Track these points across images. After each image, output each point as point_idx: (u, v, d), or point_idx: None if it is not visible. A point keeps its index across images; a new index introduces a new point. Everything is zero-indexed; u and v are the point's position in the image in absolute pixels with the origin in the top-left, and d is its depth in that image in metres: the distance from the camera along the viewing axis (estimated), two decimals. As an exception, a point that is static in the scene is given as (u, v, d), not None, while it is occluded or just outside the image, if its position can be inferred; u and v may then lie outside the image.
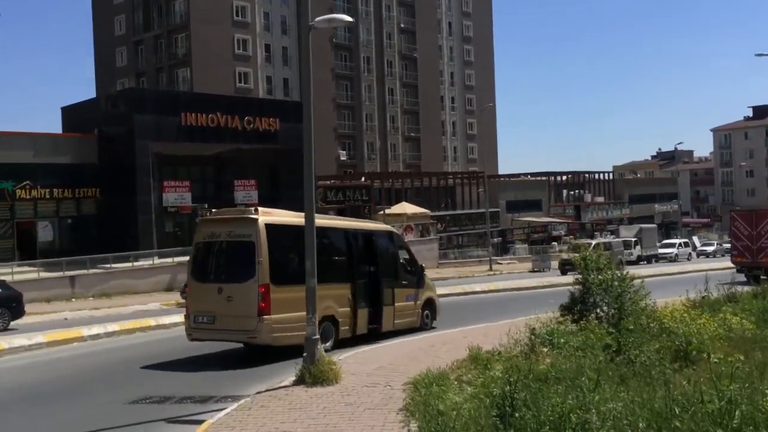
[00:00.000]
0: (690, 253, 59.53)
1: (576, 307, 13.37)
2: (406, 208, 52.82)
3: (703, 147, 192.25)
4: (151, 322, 19.74)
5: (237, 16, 63.68)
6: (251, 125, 42.04)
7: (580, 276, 13.69)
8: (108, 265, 33.09)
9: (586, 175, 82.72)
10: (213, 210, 14.79)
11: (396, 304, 16.23)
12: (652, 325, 12.03)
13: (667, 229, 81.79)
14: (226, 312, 13.22)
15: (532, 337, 11.52)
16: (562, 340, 11.56)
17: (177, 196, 40.74)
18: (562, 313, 13.59)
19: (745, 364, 8.39)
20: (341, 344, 14.42)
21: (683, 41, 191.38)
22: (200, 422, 8.83)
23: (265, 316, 12.90)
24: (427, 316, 17.69)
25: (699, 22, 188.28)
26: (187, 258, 34.74)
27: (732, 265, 36.13)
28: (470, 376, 9.44)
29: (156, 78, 64.58)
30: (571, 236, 67.94)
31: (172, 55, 63.74)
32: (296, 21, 67.58)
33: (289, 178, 45.12)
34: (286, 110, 45.89)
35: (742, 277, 32.34)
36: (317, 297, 12.67)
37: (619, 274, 13.49)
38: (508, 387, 6.81)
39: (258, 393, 10.14)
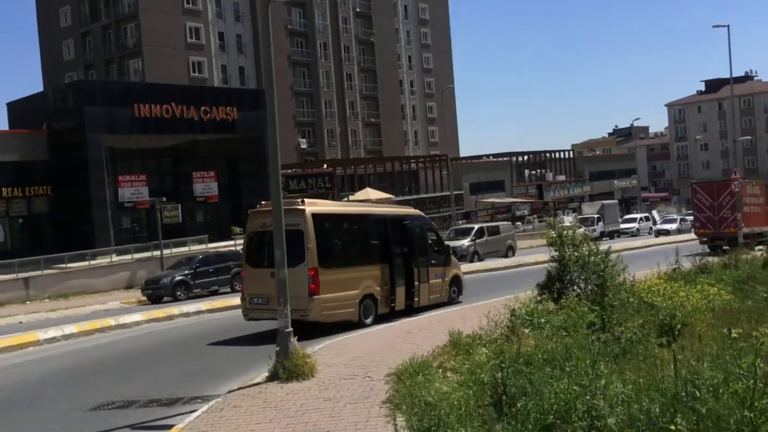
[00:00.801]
0: (651, 228, 59.94)
1: (554, 285, 13.01)
2: (370, 193, 52.19)
3: (658, 122, 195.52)
4: (111, 322, 18.89)
5: (188, 3, 61.97)
6: (208, 115, 40.92)
7: (557, 253, 13.33)
8: (63, 265, 31.86)
9: (547, 155, 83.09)
10: (262, 202, 15.98)
11: (429, 281, 17.65)
12: (631, 300, 11.71)
13: (627, 204, 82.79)
14: None
15: (512, 318, 11.09)
16: (543, 320, 11.18)
17: (133, 190, 39.54)
18: (540, 292, 13.22)
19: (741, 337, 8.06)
20: (379, 319, 15.70)
21: (636, 20, 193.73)
22: (169, 427, 8.21)
23: (315, 296, 14.32)
24: (455, 292, 19.06)
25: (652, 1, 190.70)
26: (146, 254, 34.28)
27: (695, 237, 36.52)
28: (454, 363, 8.97)
29: (106, 70, 62.64)
30: (534, 215, 68.36)
31: (121, 46, 61.86)
32: (249, 7, 66.20)
33: (249, 167, 44.20)
34: (243, 99, 44.84)
35: (704, 248, 32.73)
36: (359, 278, 15.44)
37: (595, 249, 13.17)
38: (500, 373, 6.34)
39: (230, 392, 9.55)
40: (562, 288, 13.13)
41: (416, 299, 17.11)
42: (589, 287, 13.18)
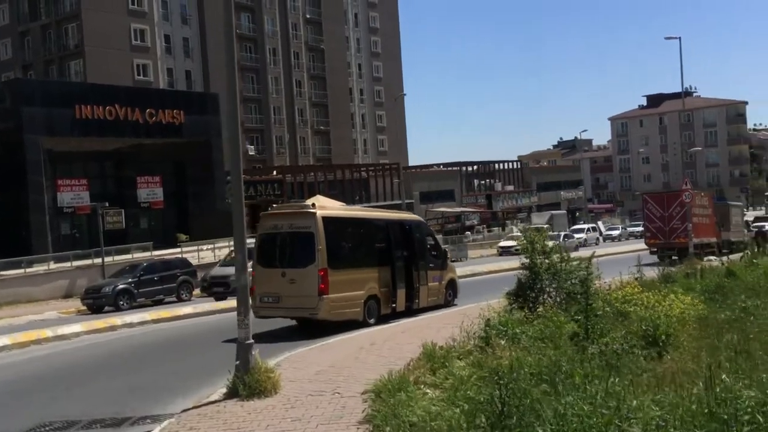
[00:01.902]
0: (597, 238, 60.78)
1: (526, 293, 12.49)
2: (320, 201, 51.26)
3: (601, 136, 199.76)
4: (49, 333, 17.56)
5: (133, 4, 60.10)
6: (153, 118, 39.54)
7: (528, 261, 12.82)
8: (-3, 273, 30.03)
9: (495, 165, 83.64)
10: (274, 205, 17.69)
11: (428, 284, 18.14)
12: (608, 309, 11.27)
13: (573, 215, 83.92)
14: (289, 293, 15.02)
15: (487, 328, 10.49)
16: (518, 330, 10.63)
17: (73, 195, 37.78)
18: (511, 301, 12.67)
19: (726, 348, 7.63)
20: (385, 319, 16.11)
21: (581, 34, 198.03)
22: (115, 453, 7.28)
23: (324, 296, 14.75)
24: (450, 295, 19.48)
25: (596, 16, 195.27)
26: (87, 261, 32.62)
27: (644, 247, 36.83)
28: (434, 378, 8.29)
29: (45, 71, 60.16)
30: (483, 225, 68.50)
31: (62, 47, 59.54)
32: (197, 10, 64.67)
33: (196, 172, 42.91)
34: (190, 102, 43.60)
35: (655, 259, 32.95)
36: (364, 279, 15.91)
37: (567, 257, 12.73)
38: (498, 391, 5.69)
39: (184, 411, 8.64)
40: (534, 296, 12.63)
41: (416, 301, 17.61)
42: (561, 296, 12.75)
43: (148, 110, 39.14)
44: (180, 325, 19.12)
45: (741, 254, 22.65)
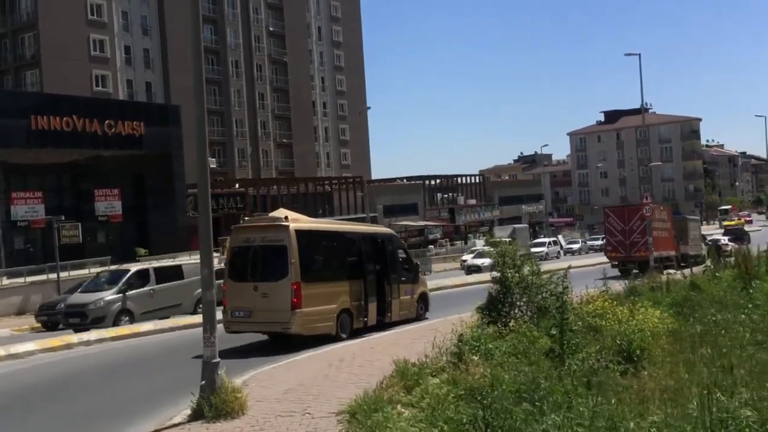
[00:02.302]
0: (559, 251, 61.34)
1: (498, 307, 12.34)
2: (284, 214, 50.77)
3: (561, 150, 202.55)
4: (0, 351, 16.84)
5: (92, 14, 58.99)
6: (112, 129, 38.73)
7: (499, 274, 12.69)
8: (-54, 289, 28.93)
9: (458, 179, 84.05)
10: (246, 218, 17.17)
11: (400, 298, 18.02)
12: (579, 323, 11.16)
13: (534, 229, 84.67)
14: (261, 307, 14.77)
15: (459, 344, 10.29)
16: (491, 346, 10.45)
17: (28, 208, 36.71)
18: (482, 315, 12.50)
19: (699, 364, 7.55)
20: (356, 333, 15.98)
21: (541, 49, 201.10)
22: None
23: (297, 310, 14.53)
24: (422, 308, 19.44)
25: (557, 32, 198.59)
26: (42, 277, 31.62)
27: (605, 260, 37.16)
28: (409, 397, 8.03)
29: (0, 81, 58.58)
30: (446, 239, 68.62)
31: (18, 57, 58.11)
32: (158, 21, 63.82)
33: (155, 185, 42.13)
34: (151, 113, 42.89)
35: (615, 272, 33.24)
36: (337, 292, 15.69)
37: (538, 270, 12.63)
38: (481, 411, 5.47)
39: (146, 435, 8.24)
40: (506, 311, 12.49)
41: (388, 314, 17.50)
42: (531, 310, 12.65)
43: (107, 121, 38.34)
44: (141, 343, 18.51)
45: (703, 267, 22.85)
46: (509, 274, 12.35)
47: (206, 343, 8.89)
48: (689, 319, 12.54)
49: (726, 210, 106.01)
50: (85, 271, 32.98)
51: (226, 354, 13.24)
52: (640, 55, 35.11)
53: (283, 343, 15.20)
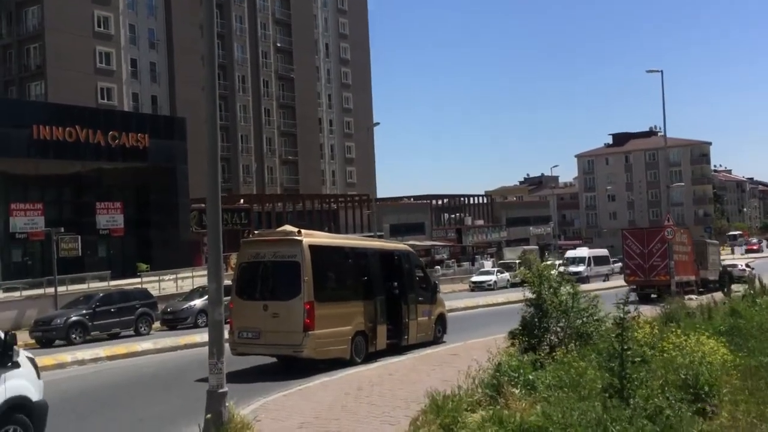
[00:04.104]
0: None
1: (534, 332, 11.15)
2: (296, 229, 49.67)
3: (567, 173, 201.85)
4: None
5: (99, 27, 58.25)
6: (116, 141, 37.75)
7: (533, 295, 11.52)
8: (-62, 302, 27.76)
9: (464, 199, 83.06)
10: (256, 231, 15.74)
11: (417, 319, 16.95)
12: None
13: (542, 250, 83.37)
14: (271, 328, 13.74)
15: (497, 374, 9.10)
16: (531, 377, 9.26)
17: (27, 220, 35.64)
18: (520, 341, 11.30)
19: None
20: (369, 357, 14.82)
21: (550, 73, 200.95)
22: None
23: (310, 331, 13.48)
24: (439, 331, 18.28)
25: (574, 55, 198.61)
26: (38, 291, 30.44)
27: (620, 284, 35.91)
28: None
29: (5, 91, 57.76)
30: (453, 259, 67.38)
31: (23, 67, 57.32)
32: (165, 35, 63.19)
33: (159, 199, 41.10)
34: (156, 125, 41.96)
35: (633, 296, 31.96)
36: (351, 313, 14.58)
37: (575, 291, 11.47)
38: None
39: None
40: (540, 335, 11.31)
41: (405, 337, 16.45)
42: (569, 336, 11.47)
43: (111, 132, 37.39)
44: (138, 363, 17.32)
45: (742, 293, 21.50)
46: (547, 296, 11.17)
47: (212, 369, 7.72)
48: (743, 349, 11.33)
49: (735, 236, 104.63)
50: (84, 286, 31.85)
51: (231, 377, 12.04)
52: (662, 71, 34.09)
53: (292, 366, 14.02)
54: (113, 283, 32.51)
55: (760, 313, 15.55)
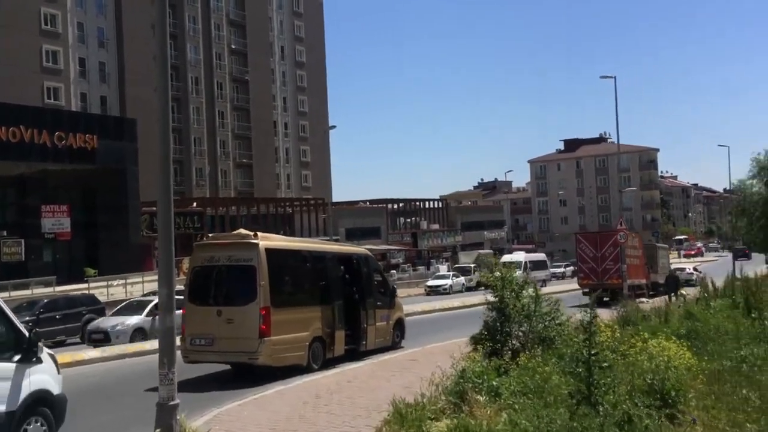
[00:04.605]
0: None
1: (496, 337, 10.94)
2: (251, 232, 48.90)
3: (520, 178, 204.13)
4: None
5: (46, 24, 56.53)
6: (63, 142, 36.58)
7: (495, 299, 11.32)
8: None
9: (420, 203, 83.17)
10: (209, 235, 15.51)
11: (376, 324, 16.66)
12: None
13: (497, 255, 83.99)
14: (225, 334, 13.31)
15: (461, 381, 8.85)
16: (495, 383, 9.04)
17: (-33, 223, 34.20)
18: (484, 347, 11.07)
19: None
20: (327, 364, 14.48)
21: (504, 77, 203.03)
22: None
23: (266, 338, 13.08)
24: (398, 336, 18.07)
25: (519, 59, 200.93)
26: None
27: (573, 287, 36.29)
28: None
29: (-57, 90, 55.59)
30: (408, 264, 67.28)
31: (-37, 65, 55.24)
32: (115, 34, 61.69)
33: (108, 201, 39.98)
34: (105, 126, 40.84)
35: (586, 299, 32.24)
36: (309, 318, 14.21)
37: (537, 295, 11.32)
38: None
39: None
40: (503, 340, 11.11)
41: (363, 342, 16.13)
42: (531, 340, 11.30)
43: (57, 133, 36.21)
44: (84, 372, 16.56)
45: (693, 295, 21.84)
46: (510, 300, 10.99)
47: (162, 380, 7.27)
48: (704, 352, 11.32)
49: (681, 240, 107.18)
50: (27, 292, 30.64)
51: (183, 386, 11.53)
52: (615, 78, 34.76)
53: (247, 374, 13.56)
54: (59, 288, 31.38)
55: (714, 316, 15.69)
